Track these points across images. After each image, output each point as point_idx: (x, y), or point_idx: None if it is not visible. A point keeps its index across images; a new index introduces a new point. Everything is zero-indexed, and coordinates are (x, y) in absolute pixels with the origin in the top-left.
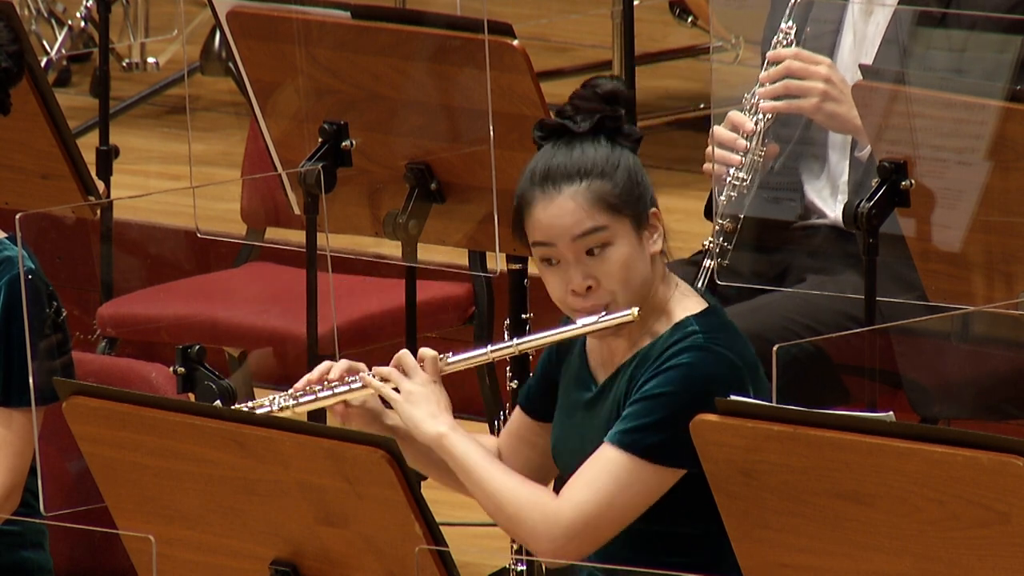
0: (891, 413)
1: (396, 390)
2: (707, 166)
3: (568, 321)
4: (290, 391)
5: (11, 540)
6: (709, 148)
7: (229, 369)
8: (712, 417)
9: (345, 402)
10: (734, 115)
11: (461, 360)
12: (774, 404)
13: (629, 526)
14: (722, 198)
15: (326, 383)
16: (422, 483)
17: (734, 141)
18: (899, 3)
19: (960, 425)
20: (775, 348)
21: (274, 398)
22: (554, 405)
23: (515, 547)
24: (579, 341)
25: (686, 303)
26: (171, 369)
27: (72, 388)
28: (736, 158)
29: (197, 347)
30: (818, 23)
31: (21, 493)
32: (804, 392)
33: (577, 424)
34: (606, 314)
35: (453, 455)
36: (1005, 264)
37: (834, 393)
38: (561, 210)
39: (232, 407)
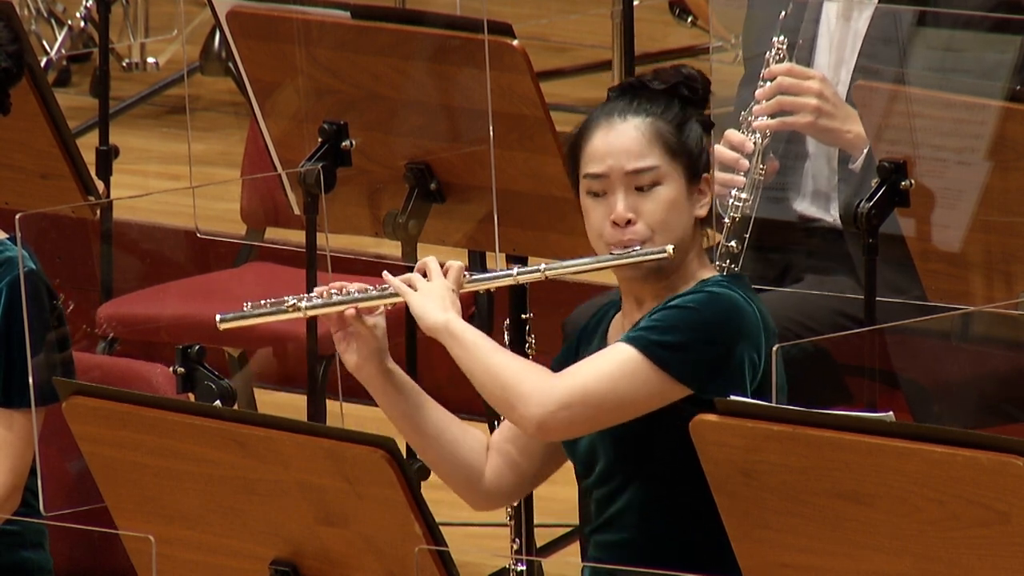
0: (891, 413)
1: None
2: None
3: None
4: (304, 294)
5: (11, 540)
6: (716, 146)
7: (229, 369)
8: (712, 417)
9: (358, 311)
10: (732, 135)
11: (485, 278)
12: (774, 404)
13: (634, 532)
14: (726, 220)
15: (341, 291)
16: (422, 483)
17: (736, 161)
18: (878, 3)
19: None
20: (775, 348)
21: (287, 298)
22: None
23: (515, 547)
24: (602, 327)
25: (712, 271)
26: (171, 369)
27: (72, 388)
28: (740, 179)
29: (197, 347)
30: (806, 34)
31: (21, 493)
32: (803, 392)
33: None
34: (641, 248)
35: (457, 336)
36: (1005, 264)
37: (833, 393)
38: (622, 136)
39: (244, 304)
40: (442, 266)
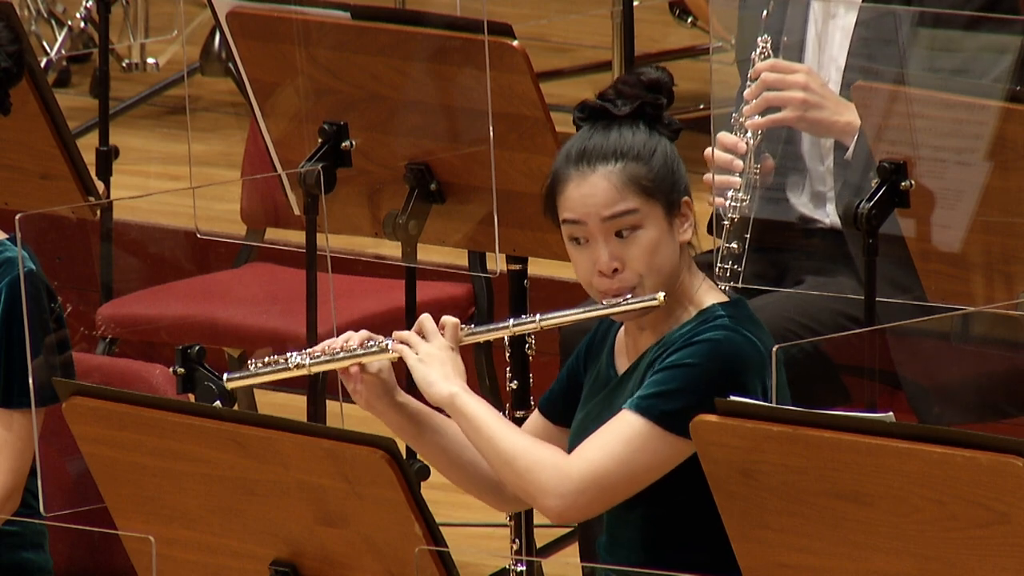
0: (891, 413)
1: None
2: (707, 176)
3: (593, 303)
4: (307, 351)
5: (11, 541)
6: (708, 150)
7: (229, 369)
8: (712, 417)
9: (361, 365)
10: (724, 137)
11: (482, 331)
12: (774, 404)
13: (641, 536)
14: (725, 222)
15: (344, 347)
16: (422, 483)
17: (731, 163)
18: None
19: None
20: (774, 348)
21: (291, 355)
22: (573, 409)
23: (515, 547)
24: (608, 344)
25: (712, 294)
26: (171, 369)
27: (72, 388)
28: (736, 180)
29: (197, 347)
30: (791, 32)
31: (21, 494)
32: (803, 392)
33: (595, 411)
34: (632, 297)
35: (465, 413)
36: (1005, 264)
37: (833, 393)
38: (594, 188)
39: (249, 362)
40: (437, 322)
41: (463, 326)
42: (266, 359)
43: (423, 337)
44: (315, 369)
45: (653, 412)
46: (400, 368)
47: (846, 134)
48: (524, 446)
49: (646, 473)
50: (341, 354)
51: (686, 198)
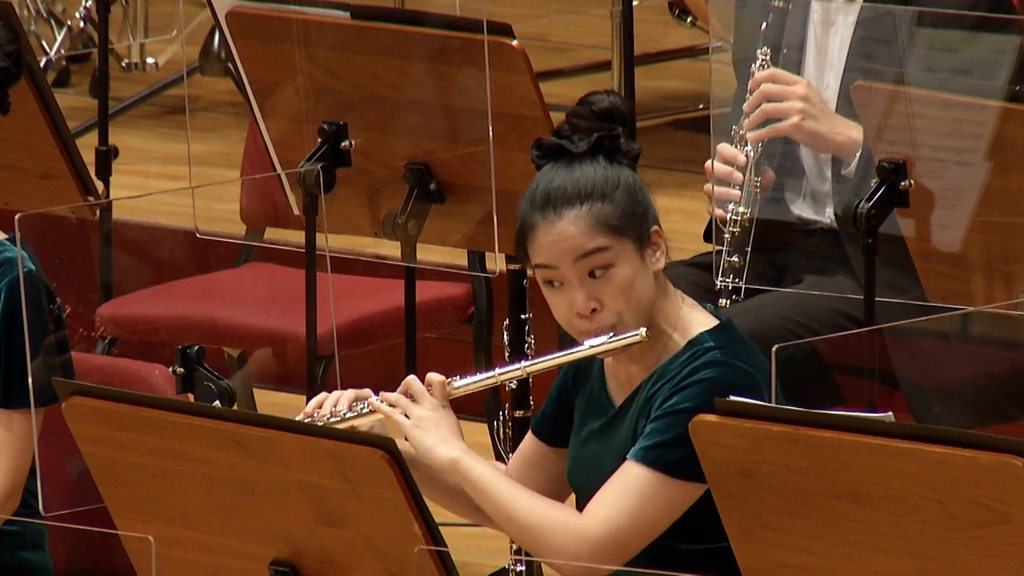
0: (890, 413)
1: (406, 417)
2: (707, 187)
3: (575, 343)
4: (297, 418)
5: (11, 541)
6: (708, 162)
7: (229, 369)
8: (712, 417)
9: (353, 428)
10: (724, 149)
11: (468, 384)
12: (773, 404)
13: (646, 562)
14: (727, 235)
15: (332, 411)
16: None
17: (730, 175)
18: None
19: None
20: (773, 348)
21: None
22: (567, 429)
23: (514, 547)
24: (597, 365)
25: (696, 317)
26: (171, 369)
27: (72, 388)
28: (735, 192)
29: (197, 347)
30: (791, 44)
31: (21, 494)
32: (802, 392)
33: (594, 447)
34: (614, 335)
35: (469, 478)
36: (1005, 264)
37: (832, 393)
38: (562, 235)
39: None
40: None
41: (448, 380)
42: None
43: (412, 399)
44: None
45: (660, 463)
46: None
47: (846, 150)
48: (535, 509)
49: (660, 523)
50: (332, 419)
51: (655, 227)
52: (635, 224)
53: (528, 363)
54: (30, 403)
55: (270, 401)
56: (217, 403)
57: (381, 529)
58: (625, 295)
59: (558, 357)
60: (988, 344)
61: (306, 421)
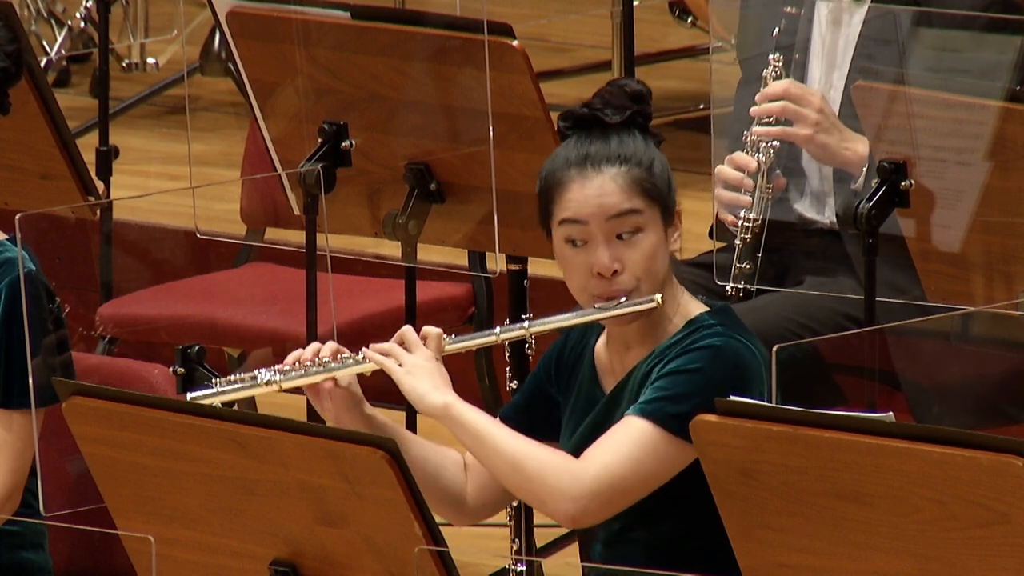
0: (891, 413)
1: (399, 365)
2: (718, 191)
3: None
4: (277, 367)
5: (11, 541)
6: (719, 167)
7: (229, 369)
8: (712, 417)
9: (335, 380)
10: (737, 156)
11: (466, 340)
12: (773, 404)
13: (646, 539)
14: (737, 242)
15: (316, 360)
16: None
17: (740, 180)
18: (869, 6)
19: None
20: (774, 348)
21: (260, 372)
22: (538, 420)
23: (515, 547)
24: (586, 357)
25: (695, 304)
26: (171, 369)
27: (72, 388)
28: (746, 199)
29: (197, 347)
30: (800, 49)
31: (21, 494)
32: (803, 392)
33: (588, 431)
34: (627, 300)
35: (463, 423)
36: (1005, 264)
37: (832, 393)
38: (601, 189)
39: (214, 380)
40: (418, 332)
41: (446, 336)
42: (233, 376)
43: (405, 348)
44: (287, 385)
45: (660, 416)
46: (364, 380)
47: (852, 164)
48: (530, 450)
49: (655, 477)
50: (315, 368)
51: (679, 208)
52: (666, 196)
53: (532, 323)
54: (30, 403)
55: (270, 401)
56: (217, 403)
57: (381, 529)
58: (647, 262)
59: (565, 319)
60: (988, 344)
61: (286, 369)
